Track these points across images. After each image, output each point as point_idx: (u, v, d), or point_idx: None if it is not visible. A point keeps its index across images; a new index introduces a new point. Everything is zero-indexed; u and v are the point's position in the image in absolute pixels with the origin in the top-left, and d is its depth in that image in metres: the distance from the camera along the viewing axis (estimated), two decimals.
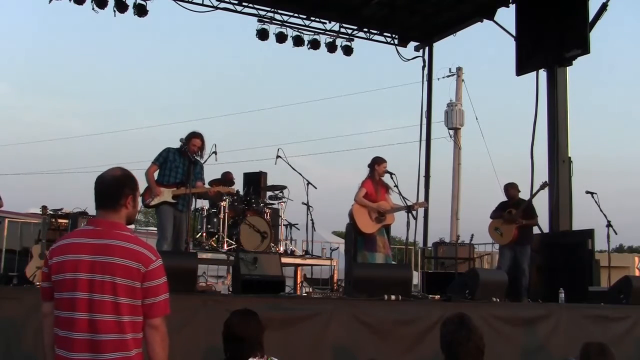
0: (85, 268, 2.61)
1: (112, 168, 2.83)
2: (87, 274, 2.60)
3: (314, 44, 12.07)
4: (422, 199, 11.51)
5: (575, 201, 10.26)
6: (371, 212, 7.52)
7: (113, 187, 2.75)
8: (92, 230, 2.72)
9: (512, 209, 8.52)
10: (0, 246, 7.90)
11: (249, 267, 5.89)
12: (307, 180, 8.85)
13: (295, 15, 11.95)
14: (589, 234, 8.95)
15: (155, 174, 6.90)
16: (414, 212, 7.54)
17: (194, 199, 7.55)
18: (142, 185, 6.71)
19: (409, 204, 7.55)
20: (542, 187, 8.90)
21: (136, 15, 10.38)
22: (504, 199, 8.83)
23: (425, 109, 12.90)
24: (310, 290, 9.74)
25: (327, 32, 12.28)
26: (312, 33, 12.14)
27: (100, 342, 2.57)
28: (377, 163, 7.64)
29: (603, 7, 9.91)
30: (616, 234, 8.47)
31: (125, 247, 2.66)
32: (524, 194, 9.03)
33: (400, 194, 7.61)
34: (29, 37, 67.34)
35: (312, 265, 9.81)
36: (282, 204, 9.41)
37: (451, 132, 18.99)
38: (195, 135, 6.99)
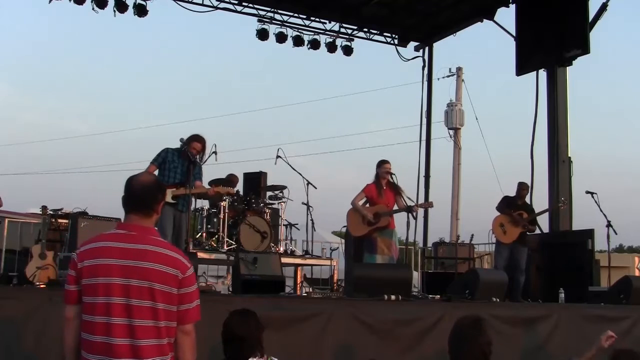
0: (118, 272, 2.60)
1: (141, 173, 2.89)
2: (122, 279, 2.59)
3: (314, 44, 12.07)
4: (422, 199, 11.51)
5: (575, 201, 10.28)
6: (363, 216, 7.51)
7: (149, 193, 2.76)
8: (125, 235, 2.69)
9: (524, 212, 8.47)
10: (0, 246, 7.89)
11: (249, 267, 5.89)
12: (307, 180, 8.87)
13: (295, 15, 11.96)
14: (589, 234, 8.95)
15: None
16: (414, 213, 7.53)
17: (193, 199, 7.54)
18: None
19: (411, 204, 7.55)
20: (560, 205, 9.27)
21: (136, 15, 10.40)
22: (506, 195, 8.76)
23: (425, 109, 12.92)
24: (310, 290, 9.73)
25: (327, 32, 12.28)
26: (312, 33, 12.14)
27: (142, 347, 2.57)
28: (378, 165, 7.66)
29: (603, 7, 9.93)
30: (616, 234, 8.47)
31: (161, 253, 2.66)
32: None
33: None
34: (29, 37, 67.40)
35: (312, 265, 9.81)
36: (282, 204, 9.41)
37: (451, 132, 19.02)
38: (196, 139, 6.92)
